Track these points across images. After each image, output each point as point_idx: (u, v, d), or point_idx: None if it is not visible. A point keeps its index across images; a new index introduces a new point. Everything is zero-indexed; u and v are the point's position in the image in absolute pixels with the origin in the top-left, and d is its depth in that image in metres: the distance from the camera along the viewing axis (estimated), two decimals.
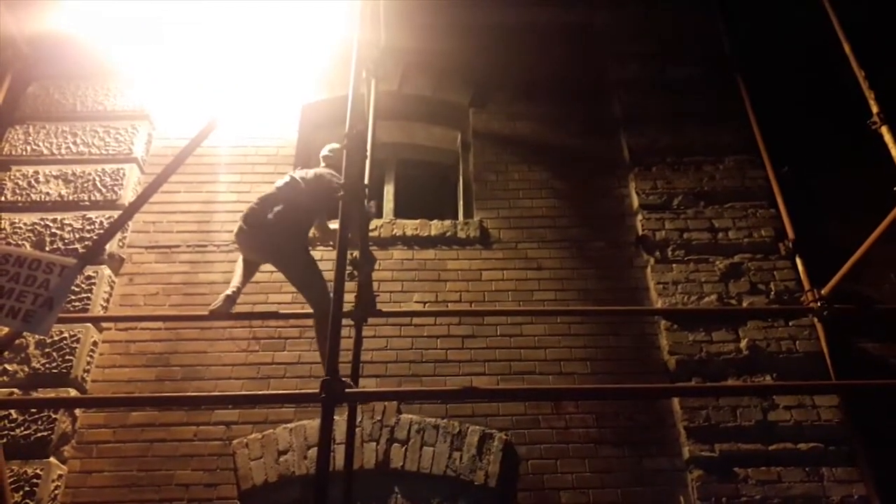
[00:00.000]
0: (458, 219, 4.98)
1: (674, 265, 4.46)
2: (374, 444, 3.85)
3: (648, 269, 4.49)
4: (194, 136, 3.40)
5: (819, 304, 4.06)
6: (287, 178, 3.92)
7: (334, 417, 2.97)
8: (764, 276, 4.38)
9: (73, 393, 3.91)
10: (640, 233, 4.62)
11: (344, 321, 3.26)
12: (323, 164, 4.13)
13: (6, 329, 3.11)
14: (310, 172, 3.96)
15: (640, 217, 4.68)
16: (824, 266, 4.12)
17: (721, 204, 4.69)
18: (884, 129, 3.55)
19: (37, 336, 3.96)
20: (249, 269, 3.89)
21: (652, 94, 5.21)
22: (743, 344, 4.12)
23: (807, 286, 4.21)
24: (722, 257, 4.46)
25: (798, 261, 4.35)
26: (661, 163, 4.89)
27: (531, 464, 3.82)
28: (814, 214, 4.58)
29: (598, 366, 4.15)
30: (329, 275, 4.26)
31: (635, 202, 4.76)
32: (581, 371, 4.12)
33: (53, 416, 3.79)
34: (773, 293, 4.31)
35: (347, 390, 2.92)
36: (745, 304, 4.28)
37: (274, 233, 3.69)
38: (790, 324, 4.19)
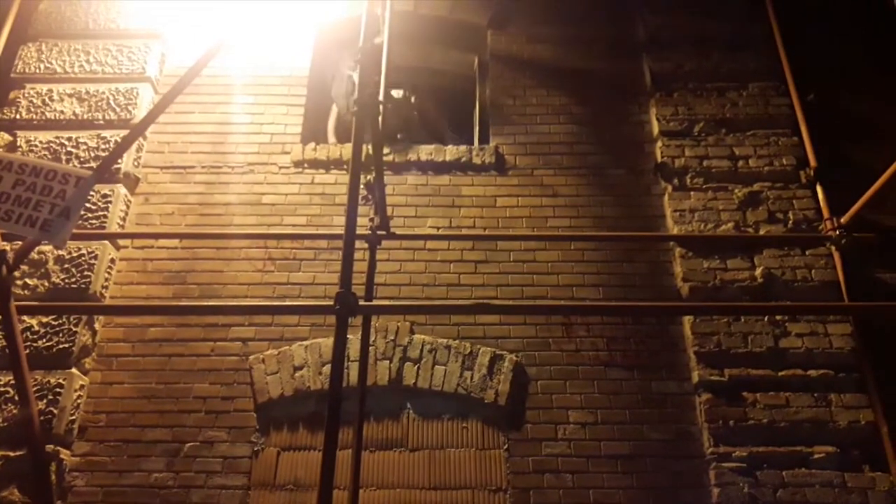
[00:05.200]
0: (473, 144, 4.92)
1: (692, 193, 4.39)
2: (388, 362, 3.92)
3: (666, 197, 4.44)
4: (202, 55, 3.35)
5: (837, 232, 4.01)
6: None
7: (348, 336, 3.01)
8: (783, 205, 4.31)
9: None
10: (659, 160, 4.54)
11: (357, 244, 3.27)
12: None
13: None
14: None
15: (659, 144, 4.60)
16: (847, 195, 4.03)
17: (743, 131, 4.58)
18: None
19: (56, 251, 4.03)
20: None
21: (677, 16, 5.03)
22: (758, 272, 4.09)
23: (826, 214, 4.15)
24: (741, 185, 4.39)
25: (818, 189, 4.27)
26: (684, 88, 4.76)
27: (540, 384, 3.88)
28: (838, 142, 4.46)
29: (610, 292, 4.15)
30: (343, 199, 4.29)
31: (655, 129, 4.67)
32: (593, 297, 4.13)
33: (74, 329, 3.87)
34: (791, 222, 4.25)
35: (361, 303, 2.94)
36: (762, 233, 4.23)
37: None
38: (807, 252, 4.15)
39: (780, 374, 3.81)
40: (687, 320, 3.99)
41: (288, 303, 3.99)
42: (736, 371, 3.82)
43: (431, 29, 5.28)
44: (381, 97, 3.86)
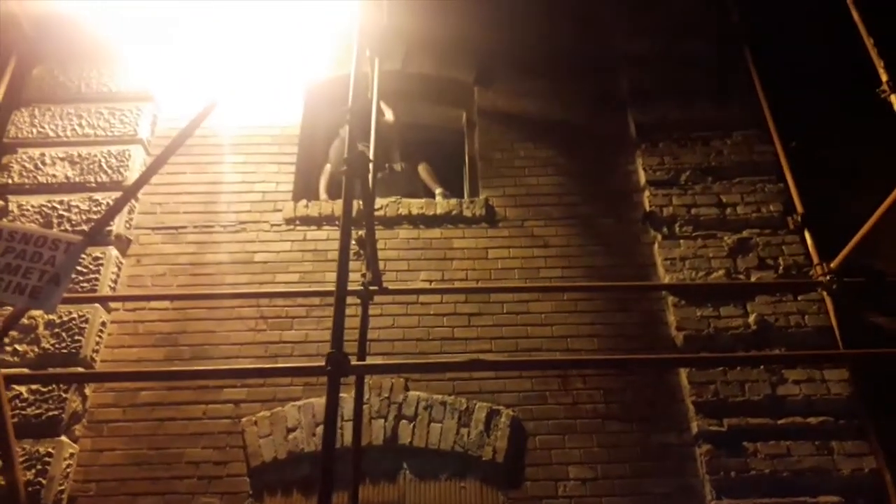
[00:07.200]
0: (463, 197, 4.96)
1: (681, 241, 4.42)
2: (382, 420, 3.86)
3: (656, 246, 4.46)
4: (194, 117, 3.39)
5: (828, 277, 4.03)
6: None
7: (342, 395, 2.98)
8: (772, 251, 4.34)
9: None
10: (648, 209, 4.59)
11: (350, 300, 3.26)
12: None
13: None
14: None
15: (647, 193, 4.65)
16: (835, 240, 4.05)
17: (729, 179, 4.64)
18: (893, 98, 3.49)
19: (46, 316, 3.99)
20: None
21: (660, 68, 5.13)
22: (751, 319, 4.08)
23: (815, 260, 4.17)
24: (730, 233, 4.43)
25: (807, 235, 4.31)
26: (669, 138, 4.84)
27: (539, 439, 3.83)
28: (824, 187, 4.52)
29: (605, 342, 4.13)
30: (335, 254, 4.29)
31: (642, 178, 4.72)
32: (588, 347, 4.11)
33: (64, 395, 3.81)
34: (781, 268, 4.27)
35: (353, 363, 2.91)
36: (753, 279, 4.24)
37: None
38: (799, 298, 4.16)
39: (779, 422, 3.77)
40: (683, 370, 3.96)
41: (280, 365, 3.93)
42: (735, 420, 3.78)
43: (419, 86, 5.38)
44: (370, 155, 3.91)
